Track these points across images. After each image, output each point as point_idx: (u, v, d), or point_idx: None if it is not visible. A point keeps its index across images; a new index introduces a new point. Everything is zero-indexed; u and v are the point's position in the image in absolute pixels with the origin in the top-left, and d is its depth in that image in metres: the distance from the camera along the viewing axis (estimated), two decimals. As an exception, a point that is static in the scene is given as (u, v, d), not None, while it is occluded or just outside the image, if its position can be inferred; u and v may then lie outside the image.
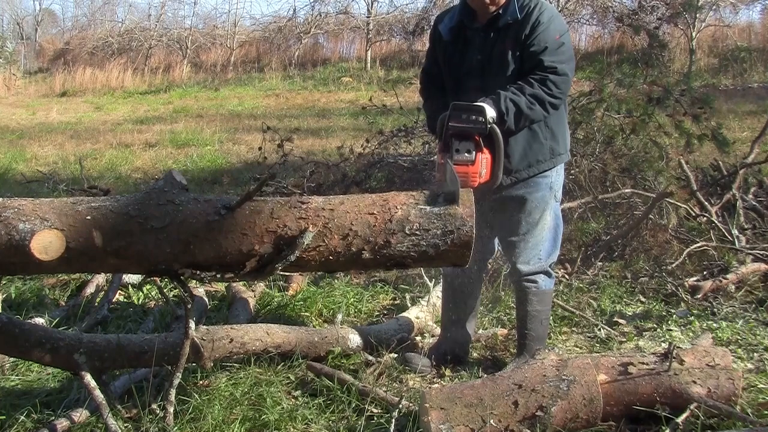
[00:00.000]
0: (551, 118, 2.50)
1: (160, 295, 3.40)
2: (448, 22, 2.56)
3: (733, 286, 3.50)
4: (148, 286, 3.59)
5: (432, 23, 2.93)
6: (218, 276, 1.89)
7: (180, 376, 2.22)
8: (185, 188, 1.90)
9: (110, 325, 3.16)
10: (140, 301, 3.50)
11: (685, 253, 3.77)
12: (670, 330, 3.09)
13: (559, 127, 2.55)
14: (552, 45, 2.37)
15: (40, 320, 2.98)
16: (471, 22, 2.51)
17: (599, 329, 3.10)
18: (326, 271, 2.47)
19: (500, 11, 2.44)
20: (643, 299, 3.52)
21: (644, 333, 3.10)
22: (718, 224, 4.01)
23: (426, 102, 2.68)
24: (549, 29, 2.38)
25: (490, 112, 2.27)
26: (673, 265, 3.74)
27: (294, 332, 2.69)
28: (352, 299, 3.46)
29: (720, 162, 4.84)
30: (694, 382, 2.12)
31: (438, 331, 3.13)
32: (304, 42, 16.74)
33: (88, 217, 1.79)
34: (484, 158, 2.25)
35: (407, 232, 1.84)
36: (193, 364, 2.46)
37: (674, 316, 3.24)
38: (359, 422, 2.18)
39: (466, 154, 2.21)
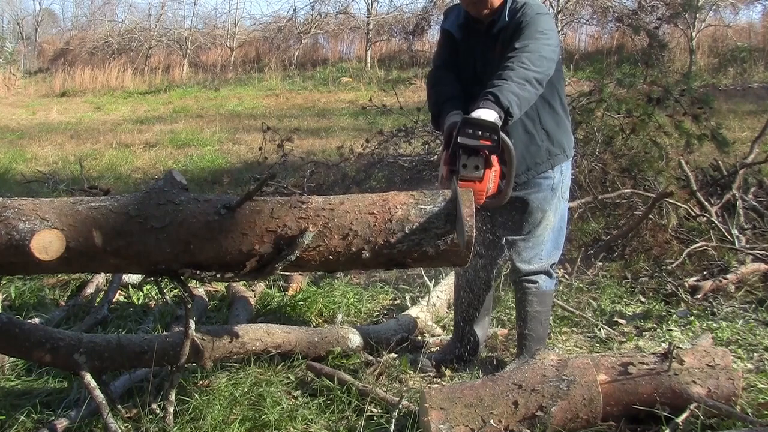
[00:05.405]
0: (546, 120, 2.48)
1: (160, 295, 3.40)
2: (455, 19, 2.53)
3: (733, 286, 3.50)
4: (148, 286, 3.58)
5: (430, 23, 2.90)
6: (218, 276, 1.89)
7: (180, 376, 2.22)
8: (185, 188, 1.90)
9: (110, 325, 3.16)
10: (140, 301, 3.50)
11: (685, 253, 3.78)
12: (670, 330, 3.09)
13: (556, 128, 2.52)
14: (528, 34, 2.32)
15: (39, 320, 2.98)
16: (475, 24, 2.49)
17: (599, 329, 3.10)
18: (326, 271, 2.47)
19: (495, 17, 2.42)
20: (643, 299, 3.52)
21: (644, 333, 3.10)
22: (718, 224, 4.01)
23: (433, 88, 2.55)
24: (530, 24, 2.33)
25: (497, 121, 2.13)
26: (673, 265, 3.74)
27: (294, 332, 2.69)
28: (352, 299, 3.46)
29: (720, 162, 4.83)
30: (694, 382, 2.12)
31: (438, 330, 3.14)
32: (304, 42, 16.74)
33: (88, 217, 1.79)
34: (492, 174, 2.13)
35: (407, 231, 1.83)
36: (193, 364, 2.46)
37: (674, 316, 3.24)
38: (359, 422, 2.18)
39: (474, 171, 2.07)
